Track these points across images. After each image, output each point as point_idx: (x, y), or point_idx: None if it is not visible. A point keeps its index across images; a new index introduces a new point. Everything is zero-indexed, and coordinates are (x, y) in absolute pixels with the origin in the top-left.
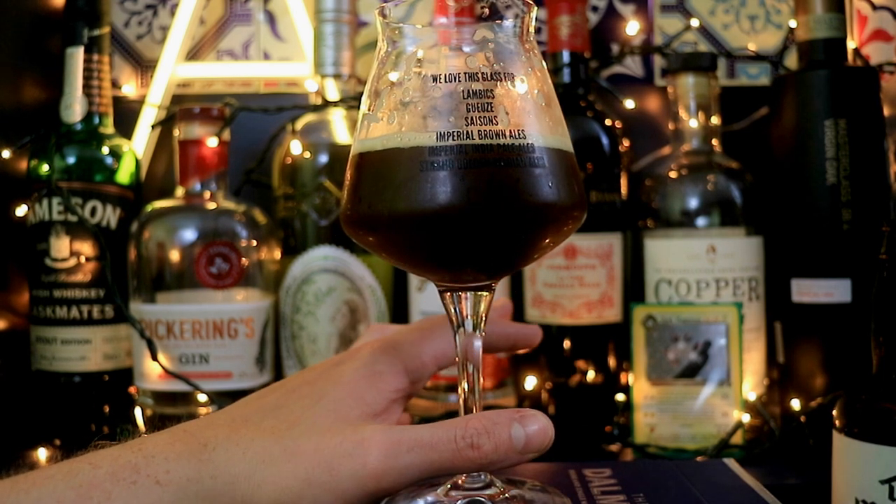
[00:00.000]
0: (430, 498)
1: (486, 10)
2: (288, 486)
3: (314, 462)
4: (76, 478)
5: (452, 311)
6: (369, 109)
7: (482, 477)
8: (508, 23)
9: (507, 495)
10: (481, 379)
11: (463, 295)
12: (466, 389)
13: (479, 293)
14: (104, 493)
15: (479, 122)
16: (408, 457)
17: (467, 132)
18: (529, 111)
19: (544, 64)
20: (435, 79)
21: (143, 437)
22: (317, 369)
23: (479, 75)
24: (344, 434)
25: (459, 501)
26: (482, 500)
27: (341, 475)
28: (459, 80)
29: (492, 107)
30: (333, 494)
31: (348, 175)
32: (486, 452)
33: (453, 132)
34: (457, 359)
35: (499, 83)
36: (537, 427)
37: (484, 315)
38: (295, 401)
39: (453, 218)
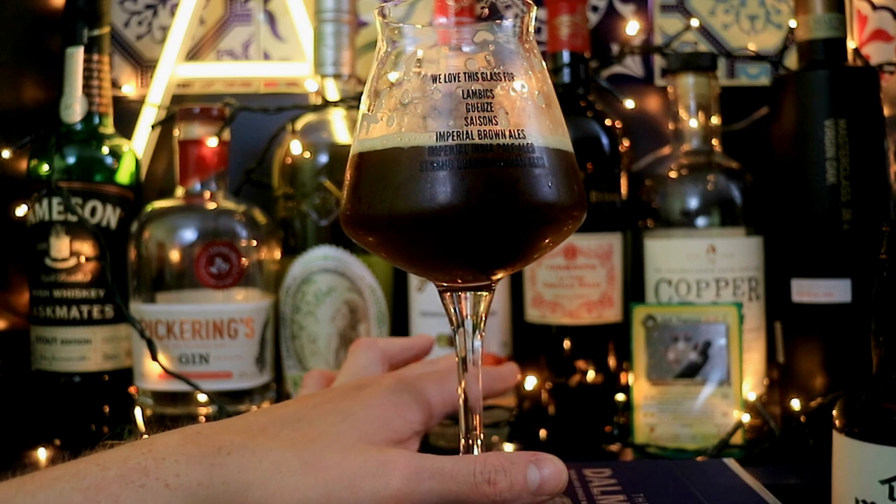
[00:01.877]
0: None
1: (486, 10)
2: (306, 497)
3: (335, 477)
4: (84, 480)
5: (452, 311)
6: (369, 109)
7: None
8: (508, 23)
9: None
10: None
11: (463, 295)
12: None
13: (479, 293)
14: (112, 497)
15: (478, 122)
16: (429, 483)
17: (467, 132)
18: (529, 111)
19: (544, 64)
20: (434, 79)
21: (154, 436)
22: (336, 390)
23: (479, 75)
24: (368, 454)
25: None
26: None
27: (362, 493)
28: (459, 80)
29: (491, 107)
30: None
31: (348, 175)
32: (501, 490)
33: (453, 132)
34: (456, 359)
35: (498, 83)
36: (552, 470)
37: (484, 315)
38: (316, 416)
39: (453, 218)
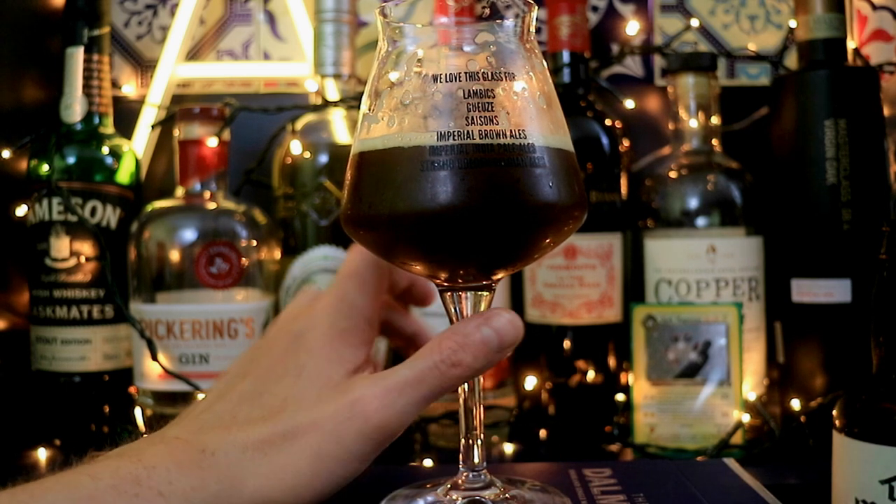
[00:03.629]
0: (430, 498)
1: (487, 10)
2: (297, 468)
3: (318, 437)
4: (76, 491)
5: (452, 311)
6: (369, 109)
7: (482, 477)
8: (509, 22)
9: (507, 495)
10: (481, 379)
11: (463, 295)
12: (466, 389)
13: (480, 293)
14: None
15: (479, 121)
16: (401, 399)
17: (468, 132)
18: (530, 111)
19: (545, 64)
20: (435, 78)
21: (139, 446)
22: (278, 341)
23: (480, 75)
24: (335, 401)
25: (459, 501)
26: (482, 499)
27: (348, 440)
28: (460, 80)
29: (492, 106)
30: (346, 461)
31: (348, 175)
32: (469, 364)
33: (454, 132)
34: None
35: (499, 83)
36: (503, 321)
37: None
38: (274, 382)
39: (454, 218)
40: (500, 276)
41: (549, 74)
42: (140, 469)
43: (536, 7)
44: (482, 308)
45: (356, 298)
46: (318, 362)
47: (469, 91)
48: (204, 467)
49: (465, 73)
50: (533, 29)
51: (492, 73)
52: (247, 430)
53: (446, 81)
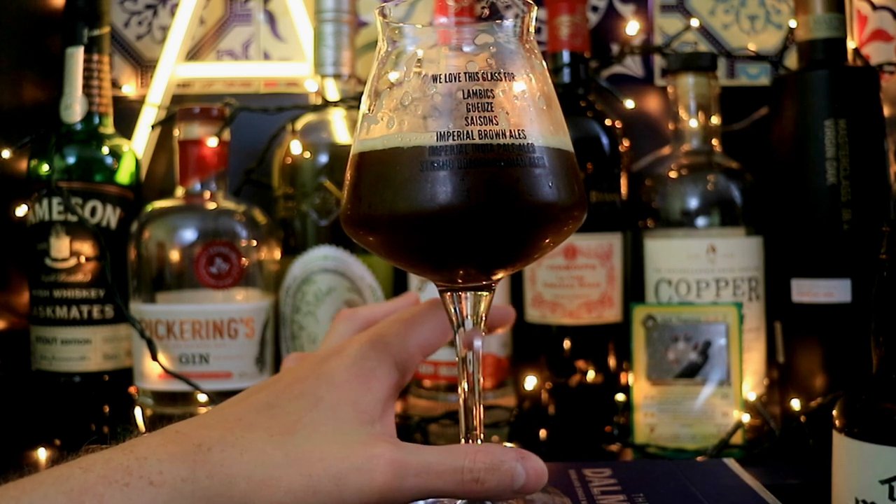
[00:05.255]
0: (430, 498)
1: (486, 10)
2: (292, 489)
3: (320, 471)
4: (67, 482)
5: (452, 311)
6: (369, 109)
7: None
8: (508, 23)
9: None
10: (481, 379)
11: (463, 295)
12: (466, 389)
13: (479, 293)
14: (96, 497)
15: (479, 122)
16: (413, 480)
17: (467, 132)
18: (530, 111)
19: (544, 64)
20: (435, 79)
21: (134, 439)
22: (305, 364)
23: (480, 75)
24: (353, 448)
25: (459, 502)
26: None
27: (348, 488)
28: (459, 80)
29: (492, 107)
30: None
31: (348, 175)
32: (489, 488)
33: (453, 132)
34: (456, 358)
35: (499, 83)
36: (537, 470)
37: (484, 315)
38: (288, 401)
39: (453, 218)
40: (499, 276)
41: (548, 75)
42: (131, 460)
43: (536, 7)
44: (481, 308)
45: (390, 339)
46: (334, 399)
47: (468, 91)
48: (197, 461)
49: (465, 73)
50: (532, 29)
51: (491, 73)
52: (249, 436)
53: (446, 82)
